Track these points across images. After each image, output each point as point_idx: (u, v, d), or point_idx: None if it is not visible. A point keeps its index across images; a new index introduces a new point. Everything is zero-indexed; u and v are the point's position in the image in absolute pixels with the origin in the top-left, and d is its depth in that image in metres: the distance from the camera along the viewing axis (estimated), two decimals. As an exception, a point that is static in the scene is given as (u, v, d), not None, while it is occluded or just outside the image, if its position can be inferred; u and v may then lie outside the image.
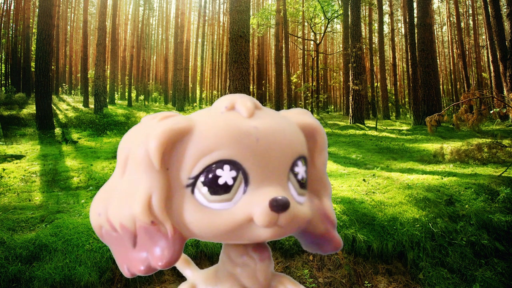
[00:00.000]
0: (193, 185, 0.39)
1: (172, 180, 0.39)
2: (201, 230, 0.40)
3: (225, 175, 0.39)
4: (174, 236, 0.38)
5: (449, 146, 7.25)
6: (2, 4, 25.88)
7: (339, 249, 0.52)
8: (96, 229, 0.41)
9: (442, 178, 4.83)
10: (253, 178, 0.40)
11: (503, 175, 4.92)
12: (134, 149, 0.39)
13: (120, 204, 0.38)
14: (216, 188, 0.39)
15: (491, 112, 5.50)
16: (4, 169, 5.96)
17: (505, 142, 7.08)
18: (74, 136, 10.83)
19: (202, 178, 0.39)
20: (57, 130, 11.32)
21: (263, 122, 0.43)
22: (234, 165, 0.40)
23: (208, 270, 0.53)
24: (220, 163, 0.39)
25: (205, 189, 0.39)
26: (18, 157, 7.40)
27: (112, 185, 0.41)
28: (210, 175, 0.39)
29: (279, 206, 0.39)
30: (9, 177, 5.51)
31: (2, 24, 25.60)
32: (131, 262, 0.40)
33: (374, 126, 14.49)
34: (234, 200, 0.40)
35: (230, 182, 0.39)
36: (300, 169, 0.45)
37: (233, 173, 0.39)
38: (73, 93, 30.19)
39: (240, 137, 0.40)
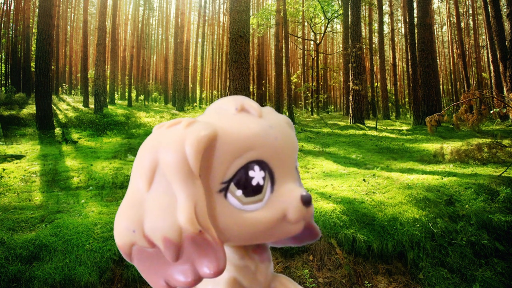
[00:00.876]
0: (225, 190, 0.39)
1: (204, 187, 0.39)
2: (238, 233, 0.40)
3: (257, 175, 0.40)
4: (219, 243, 0.38)
5: (449, 146, 7.25)
6: (2, 4, 25.89)
7: (317, 239, 0.53)
8: (125, 248, 0.38)
9: (442, 178, 4.83)
10: (277, 177, 0.42)
11: (503, 175, 4.92)
12: (165, 159, 0.37)
13: (159, 217, 0.36)
14: (250, 189, 0.39)
15: (491, 112, 5.50)
16: (4, 169, 5.96)
17: (505, 142, 7.08)
18: (74, 136, 10.83)
19: (235, 181, 0.39)
20: (57, 130, 11.32)
21: (273, 121, 0.44)
22: (262, 165, 0.40)
23: None
24: (251, 164, 0.40)
25: (239, 192, 0.39)
26: (18, 157, 7.40)
27: (138, 199, 0.38)
28: (244, 177, 0.39)
29: (307, 201, 0.42)
30: (9, 177, 5.51)
31: (2, 24, 25.60)
32: (173, 276, 0.38)
33: (374, 126, 14.49)
34: (265, 200, 0.41)
35: (261, 182, 0.40)
36: (297, 164, 0.47)
37: (262, 173, 0.40)
38: (73, 93, 30.18)
39: (263, 137, 0.41)
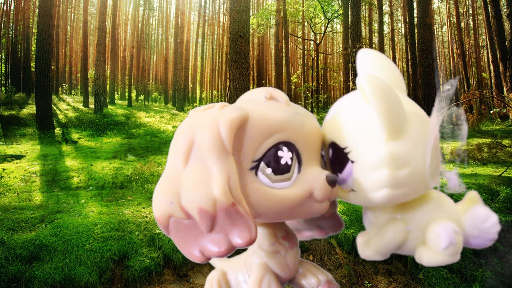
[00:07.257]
0: (256, 168, 0.42)
1: (236, 164, 0.41)
2: (268, 208, 0.42)
3: (285, 155, 0.43)
4: (251, 215, 0.40)
5: (449, 146, 7.24)
6: (2, 4, 25.89)
7: (342, 230, 0.56)
8: (162, 220, 0.41)
9: (441, 178, 4.83)
10: (304, 158, 0.45)
11: (503, 175, 4.92)
12: (201, 137, 0.40)
13: (195, 190, 0.39)
14: (279, 168, 0.42)
15: (491, 112, 5.50)
16: (4, 169, 5.96)
17: (505, 142, 7.08)
18: (74, 136, 10.82)
19: (265, 160, 0.42)
20: (57, 130, 11.32)
21: (299, 110, 0.47)
22: (290, 146, 0.43)
23: (236, 259, 0.56)
24: (279, 145, 0.42)
25: (269, 170, 0.42)
26: (18, 157, 7.40)
27: (175, 175, 0.41)
28: (273, 157, 0.42)
29: (333, 181, 0.45)
30: (9, 177, 5.51)
31: (2, 24, 25.59)
32: (206, 246, 0.40)
33: (374, 126, 14.47)
34: (293, 179, 0.43)
35: (289, 162, 0.43)
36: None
37: (290, 154, 0.43)
38: (73, 93, 30.18)
39: (291, 121, 0.44)
